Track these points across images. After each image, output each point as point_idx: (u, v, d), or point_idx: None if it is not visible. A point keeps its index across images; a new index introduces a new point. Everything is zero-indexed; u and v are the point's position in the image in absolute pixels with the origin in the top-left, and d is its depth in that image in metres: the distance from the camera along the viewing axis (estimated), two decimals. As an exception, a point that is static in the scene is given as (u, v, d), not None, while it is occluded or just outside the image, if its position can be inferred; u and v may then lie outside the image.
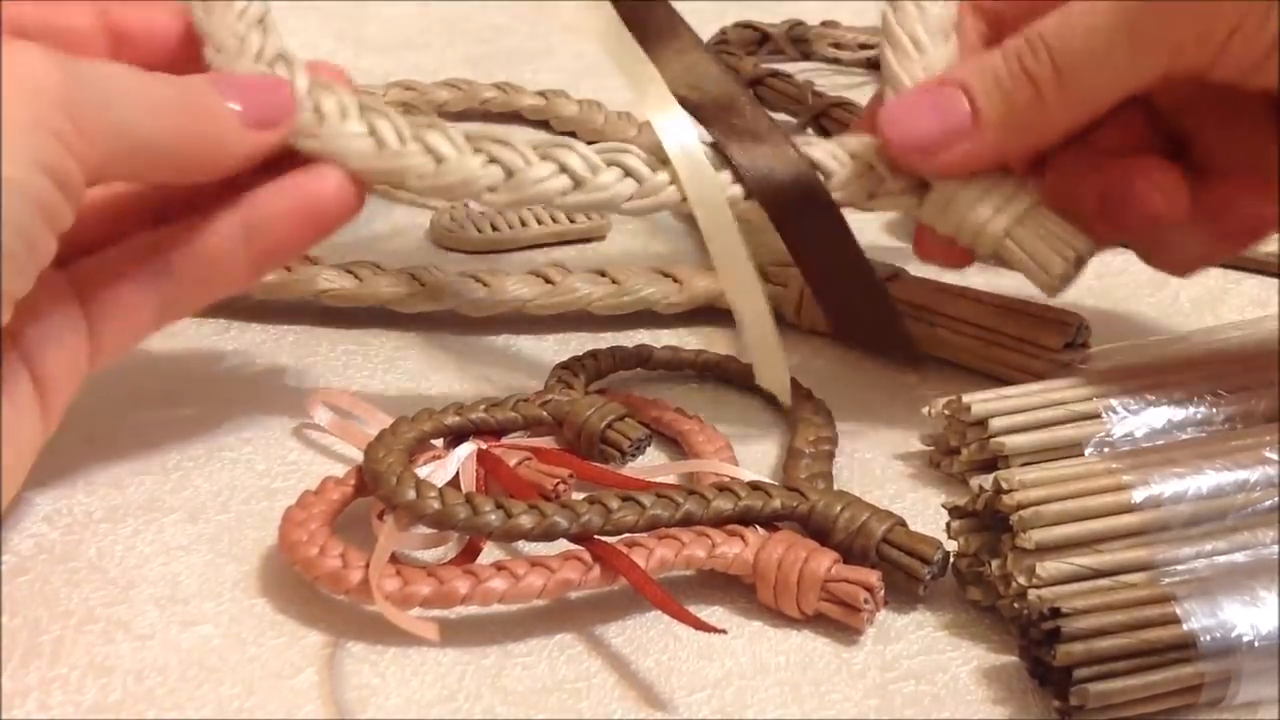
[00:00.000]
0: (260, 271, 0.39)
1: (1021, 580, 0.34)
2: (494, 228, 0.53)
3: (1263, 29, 0.36)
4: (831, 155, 0.40)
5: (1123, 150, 0.40)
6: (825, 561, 0.35)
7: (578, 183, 0.38)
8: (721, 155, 0.39)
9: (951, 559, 0.36)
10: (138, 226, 0.38)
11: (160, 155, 0.35)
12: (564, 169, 0.38)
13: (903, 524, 0.36)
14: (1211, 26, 0.36)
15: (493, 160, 0.38)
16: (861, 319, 0.42)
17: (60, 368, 0.36)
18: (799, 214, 0.39)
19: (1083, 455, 0.38)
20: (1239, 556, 0.34)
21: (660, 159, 0.39)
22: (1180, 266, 0.42)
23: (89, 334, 0.36)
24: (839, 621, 0.35)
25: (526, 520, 0.35)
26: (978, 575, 0.36)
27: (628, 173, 0.39)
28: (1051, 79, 0.37)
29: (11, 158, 0.31)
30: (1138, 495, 0.35)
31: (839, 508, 0.36)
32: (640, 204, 0.39)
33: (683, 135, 0.39)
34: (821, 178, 0.39)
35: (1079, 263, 0.40)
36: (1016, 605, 0.34)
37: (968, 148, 0.39)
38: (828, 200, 0.39)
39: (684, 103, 0.40)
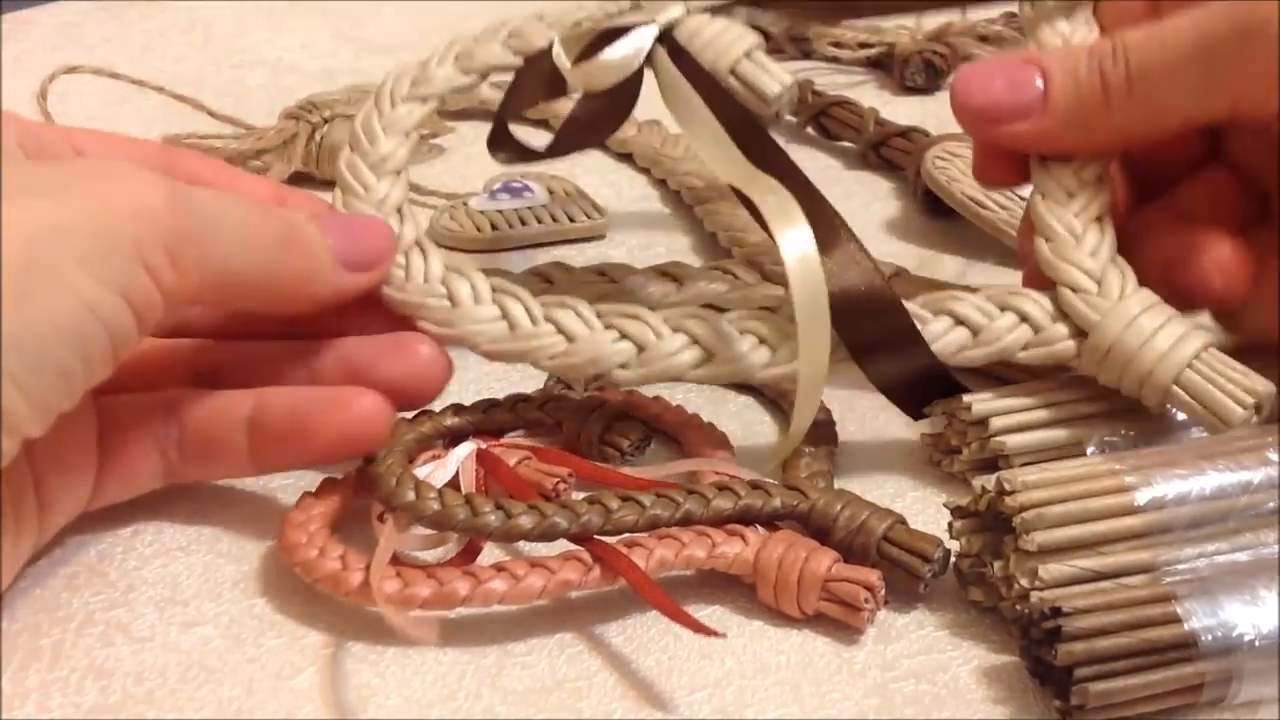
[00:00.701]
0: (263, 467, 0.38)
1: (1024, 582, 0.34)
2: (494, 227, 0.53)
3: None
4: (979, 309, 0.38)
5: (1205, 212, 0.40)
6: (825, 561, 0.35)
7: (709, 355, 0.38)
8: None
9: (953, 559, 0.36)
10: (173, 380, 0.38)
11: (252, 286, 0.35)
12: (696, 340, 0.38)
13: (903, 522, 0.36)
14: (1275, 80, 0.36)
15: (623, 336, 0.38)
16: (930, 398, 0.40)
17: (63, 497, 0.36)
18: (872, 329, 0.39)
19: (1083, 455, 0.38)
20: (1240, 556, 0.34)
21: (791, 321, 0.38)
22: (1252, 333, 0.41)
23: (100, 471, 0.37)
24: (839, 621, 0.35)
25: (526, 521, 0.35)
26: (979, 576, 0.36)
27: (762, 340, 0.38)
28: (1122, 85, 0.37)
29: (93, 275, 0.31)
30: (1140, 497, 0.35)
31: (839, 506, 0.36)
32: (775, 373, 0.38)
33: (806, 251, 0.37)
34: (969, 333, 0.38)
35: (1259, 409, 0.37)
36: (1018, 606, 0.34)
37: (1029, 126, 0.39)
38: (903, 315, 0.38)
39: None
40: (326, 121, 0.55)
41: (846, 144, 0.59)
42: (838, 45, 0.67)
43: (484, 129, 0.60)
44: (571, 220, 0.53)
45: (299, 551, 0.35)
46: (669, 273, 0.47)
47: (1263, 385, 0.37)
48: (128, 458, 0.37)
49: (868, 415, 0.43)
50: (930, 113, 0.62)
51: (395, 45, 0.68)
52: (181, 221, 0.32)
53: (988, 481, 0.36)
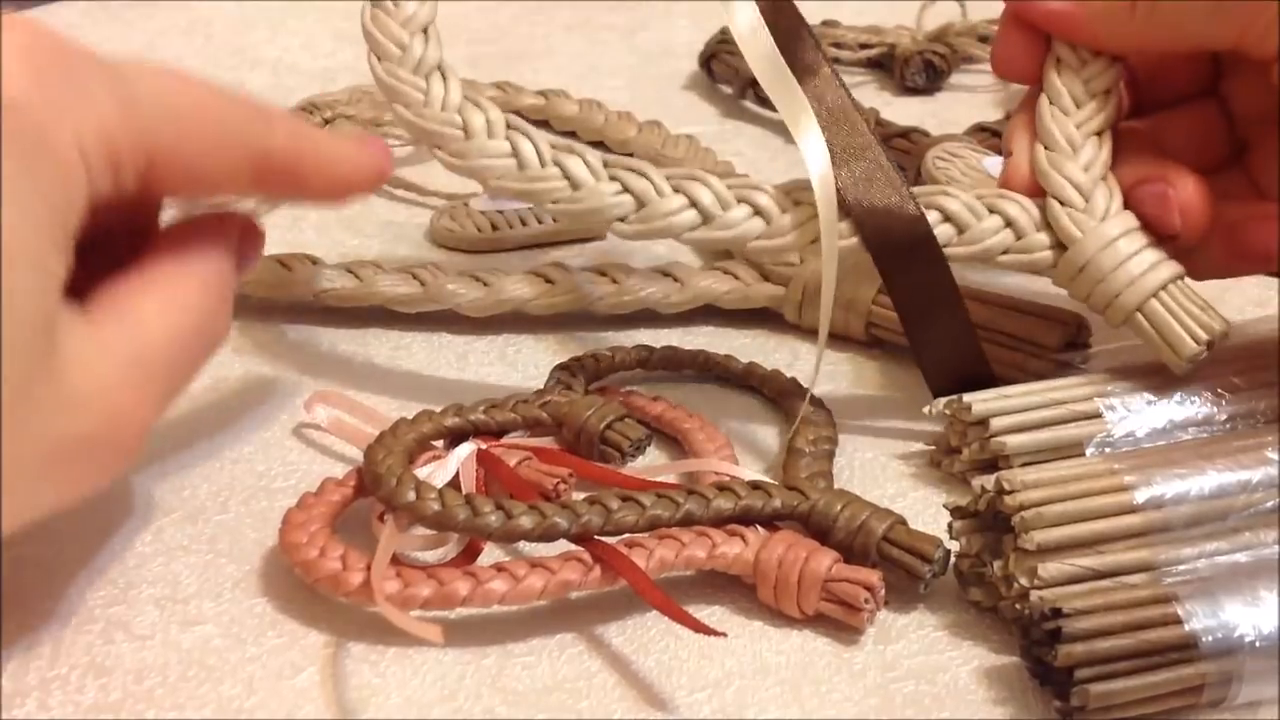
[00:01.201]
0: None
1: (1023, 581, 0.34)
2: (494, 227, 0.53)
3: None
4: (967, 208, 0.39)
5: (1183, 143, 0.41)
6: (826, 561, 0.35)
7: (707, 218, 0.39)
8: (842, 202, 0.39)
9: (953, 559, 0.36)
10: None
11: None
12: (694, 203, 0.39)
13: (903, 522, 0.36)
14: (1274, 25, 0.37)
15: (625, 189, 0.39)
16: (954, 372, 0.41)
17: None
18: (908, 268, 0.40)
19: (1084, 455, 0.38)
20: (1240, 557, 0.34)
21: (792, 200, 0.39)
22: (1201, 276, 0.42)
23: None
24: (839, 621, 0.35)
25: (527, 521, 0.35)
26: (979, 576, 0.36)
27: (757, 211, 0.39)
28: (1145, 7, 0.39)
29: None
30: (1139, 496, 0.35)
31: (839, 507, 0.36)
32: (766, 244, 0.39)
33: (822, 167, 0.39)
34: (954, 229, 0.39)
35: (1211, 345, 0.38)
36: (1018, 606, 0.34)
37: (1063, 9, 0.40)
38: (940, 258, 0.40)
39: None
40: (328, 122, 0.55)
41: (847, 145, 0.59)
42: (838, 46, 0.67)
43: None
44: (572, 220, 0.53)
45: (299, 551, 0.35)
46: (669, 273, 0.47)
47: (1220, 324, 0.38)
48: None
49: (868, 416, 0.43)
50: (930, 113, 0.62)
51: (395, 45, 0.68)
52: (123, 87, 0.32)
53: (987, 481, 0.36)
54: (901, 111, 0.61)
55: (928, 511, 0.39)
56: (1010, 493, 0.35)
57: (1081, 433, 0.39)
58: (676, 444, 0.42)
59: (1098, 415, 0.39)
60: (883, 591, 0.35)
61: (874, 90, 0.66)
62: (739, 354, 0.45)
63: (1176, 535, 0.34)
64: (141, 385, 0.32)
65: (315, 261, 0.47)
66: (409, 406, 0.42)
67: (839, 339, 0.46)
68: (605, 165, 0.39)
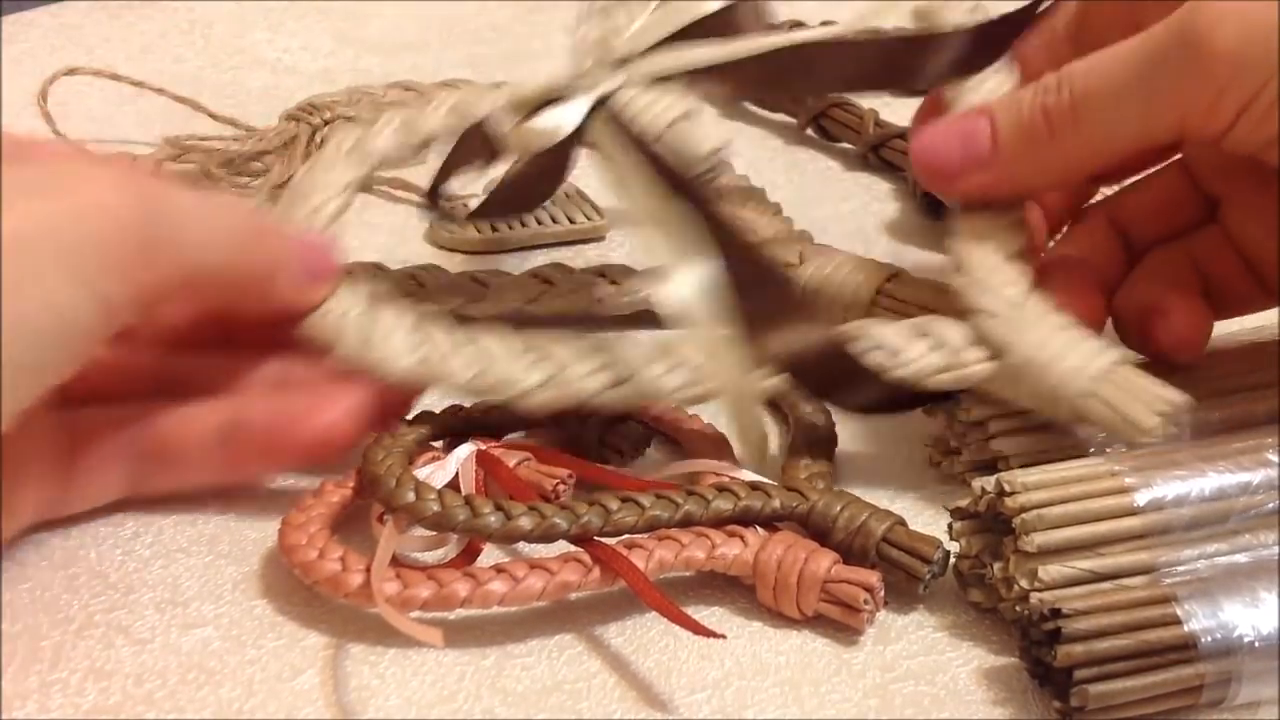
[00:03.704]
0: (234, 474, 0.38)
1: (1023, 583, 0.34)
2: (494, 228, 0.52)
3: (1273, 109, 0.35)
4: (897, 334, 0.38)
5: (1151, 223, 0.41)
6: (825, 562, 0.35)
7: (621, 380, 0.38)
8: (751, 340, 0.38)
9: (953, 560, 0.36)
10: (140, 390, 0.38)
11: (222, 279, 0.36)
12: (608, 365, 0.38)
13: (902, 523, 0.36)
14: (1220, 99, 0.36)
15: (538, 360, 0.38)
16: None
17: (21, 503, 0.36)
18: (838, 382, 0.39)
19: (1083, 456, 0.38)
20: (1240, 558, 0.34)
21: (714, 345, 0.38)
22: None
23: (61, 482, 0.37)
24: (839, 622, 0.35)
25: (526, 522, 0.35)
26: (979, 577, 0.36)
27: (680, 364, 0.38)
28: (1066, 114, 0.38)
29: (66, 273, 0.31)
30: (1140, 498, 0.35)
31: (838, 507, 0.36)
32: (692, 393, 0.38)
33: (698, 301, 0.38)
34: (885, 358, 0.38)
35: (1174, 416, 0.37)
36: (1018, 608, 0.34)
37: (985, 176, 0.39)
38: (875, 377, 0.38)
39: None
40: (327, 123, 0.55)
41: (846, 145, 0.59)
42: (838, 45, 0.66)
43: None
44: (571, 221, 0.53)
45: (299, 553, 0.35)
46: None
47: (1176, 394, 0.37)
48: (91, 468, 0.37)
49: (868, 416, 0.43)
50: (930, 113, 0.62)
51: (395, 45, 0.68)
52: (153, 220, 0.33)
53: (987, 483, 0.36)
54: (901, 112, 0.61)
55: (927, 512, 0.39)
56: (1011, 494, 0.35)
57: (1081, 434, 0.39)
58: (676, 445, 0.42)
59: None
60: (882, 592, 0.35)
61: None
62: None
63: (1177, 537, 0.34)
64: None
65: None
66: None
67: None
68: (516, 341, 0.38)
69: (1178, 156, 0.42)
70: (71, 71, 0.56)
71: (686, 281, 0.38)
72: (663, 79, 0.42)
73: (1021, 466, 0.38)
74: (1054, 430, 0.39)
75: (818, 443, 0.41)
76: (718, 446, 0.41)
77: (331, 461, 0.37)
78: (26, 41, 0.67)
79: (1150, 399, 0.37)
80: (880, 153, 0.58)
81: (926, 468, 0.41)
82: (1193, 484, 0.35)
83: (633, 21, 0.44)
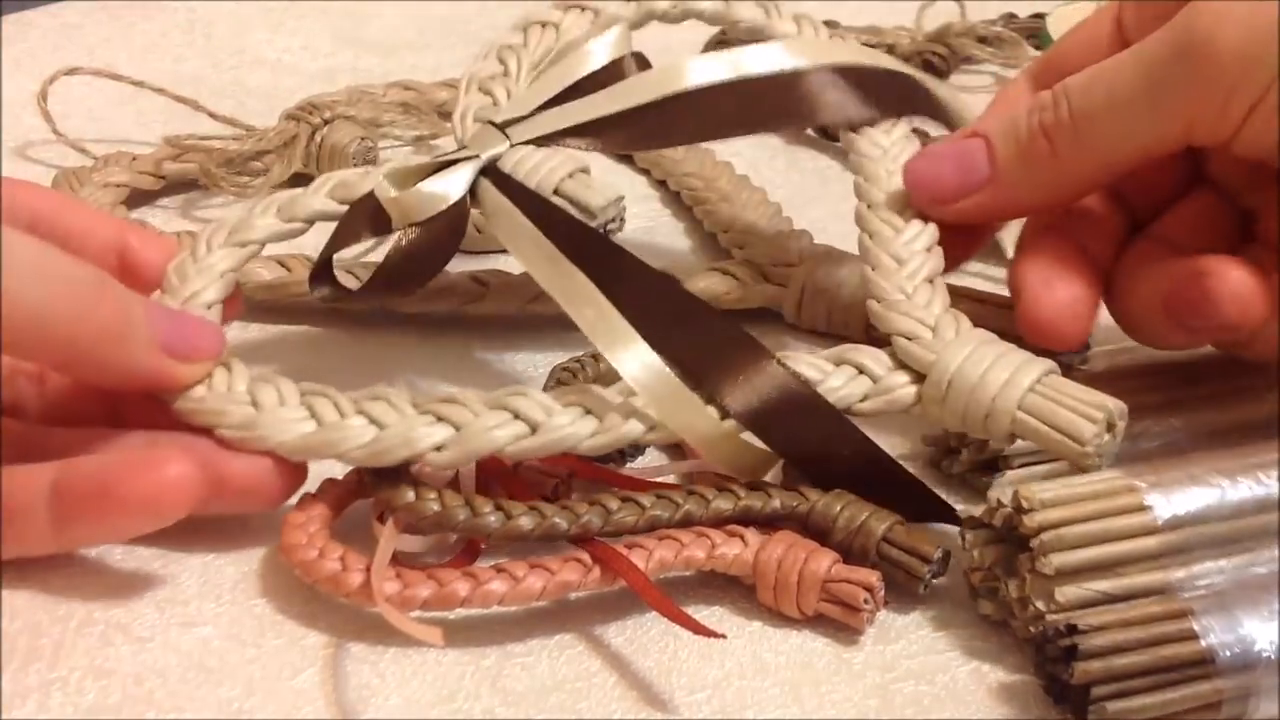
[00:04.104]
0: (64, 539, 0.36)
1: (1039, 605, 0.33)
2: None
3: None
4: (813, 365, 0.37)
5: (1192, 243, 0.39)
6: (825, 562, 0.35)
7: (532, 428, 0.36)
8: (701, 389, 0.37)
9: (965, 571, 0.36)
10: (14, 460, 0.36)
11: (61, 335, 0.34)
12: (517, 415, 0.36)
13: (902, 523, 0.36)
14: (1228, 101, 0.35)
15: (439, 419, 0.36)
16: (895, 497, 0.37)
17: None
18: (799, 431, 0.37)
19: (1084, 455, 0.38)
20: (1257, 570, 0.34)
21: (629, 392, 0.37)
22: (1261, 356, 0.39)
23: None
24: (839, 622, 0.35)
25: (526, 522, 0.35)
26: (992, 590, 0.35)
27: (589, 411, 0.37)
28: (1068, 131, 0.37)
29: None
30: (1160, 515, 0.34)
31: (838, 507, 0.36)
32: (603, 440, 0.36)
33: (648, 363, 0.37)
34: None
35: (1110, 426, 0.35)
36: (1032, 627, 0.34)
37: (984, 198, 0.39)
38: (828, 408, 0.37)
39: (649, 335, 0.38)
40: (326, 123, 0.55)
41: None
42: (837, 46, 0.67)
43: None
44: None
45: (299, 552, 0.35)
46: (669, 273, 0.47)
47: (1111, 402, 0.36)
48: None
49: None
50: (930, 113, 0.62)
51: (395, 45, 0.68)
52: None
53: (1004, 494, 0.35)
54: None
55: (927, 512, 0.39)
56: (1029, 511, 0.34)
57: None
58: (676, 444, 0.42)
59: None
60: (882, 592, 0.35)
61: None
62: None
63: (1195, 555, 0.34)
64: None
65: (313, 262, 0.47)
66: (409, 407, 0.42)
67: (839, 339, 0.46)
68: (414, 404, 0.37)
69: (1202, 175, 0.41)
70: (71, 71, 0.56)
71: (633, 359, 0.37)
72: (548, 138, 0.42)
73: (1022, 466, 0.38)
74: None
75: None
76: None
77: (159, 524, 0.35)
78: (26, 41, 0.67)
79: (1086, 408, 0.35)
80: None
81: (926, 468, 0.41)
82: (1211, 500, 0.34)
83: (511, 92, 0.44)
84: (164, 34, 0.69)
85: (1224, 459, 0.36)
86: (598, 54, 0.44)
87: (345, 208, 0.41)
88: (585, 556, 0.35)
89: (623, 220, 0.41)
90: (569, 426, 0.36)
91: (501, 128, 0.42)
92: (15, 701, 0.33)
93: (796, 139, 0.60)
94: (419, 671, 0.34)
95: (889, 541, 0.36)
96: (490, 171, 0.41)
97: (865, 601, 0.35)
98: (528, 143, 0.42)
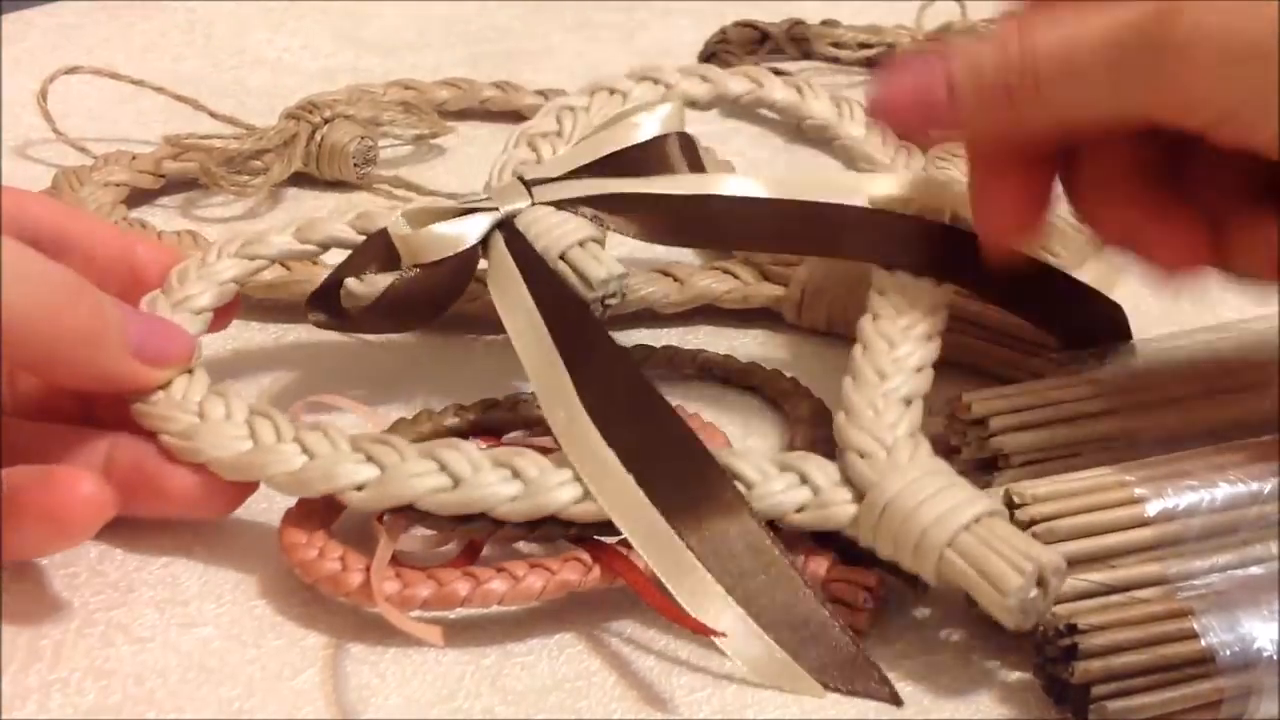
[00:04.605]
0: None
1: None
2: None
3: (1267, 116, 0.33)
4: (756, 468, 0.36)
5: (1153, 177, 0.38)
6: (825, 561, 0.35)
7: (458, 482, 0.35)
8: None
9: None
10: None
11: (30, 337, 0.34)
12: (444, 467, 0.35)
13: (902, 524, 0.36)
14: (1190, 106, 0.34)
15: (368, 459, 0.36)
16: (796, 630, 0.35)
17: None
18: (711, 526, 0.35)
19: (1082, 454, 0.38)
20: (1255, 570, 0.34)
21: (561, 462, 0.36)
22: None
23: None
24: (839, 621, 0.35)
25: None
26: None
27: (516, 474, 0.36)
28: (1030, 88, 0.36)
29: None
30: (1151, 509, 0.34)
31: (838, 508, 0.36)
32: (524, 506, 0.35)
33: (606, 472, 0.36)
34: (743, 488, 0.36)
35: (1040, 580, 0.33)
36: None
37: (946, 129, 0.39)
38: (742, 509, 0.35)
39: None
40: (327, 122, 0.55)
41: (846, 145, 0.59)
42: (837, 45, 0.67)
43: (485, 128, 0.60)
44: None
45: (299, 552, 0.35)
46: (669, 273, 0.47)
47: (1047, 555, 0.33)
48: None
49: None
50: (930, 113, 0.62)
51: (395, 45, 0.68)
52: None
53: (996, 492, 0.35)
54: (901, 111, 0.61)
55: (927, 511, 0.39)
56: (1021, 506, 0.34)
57: (1081, 432, 0.39)
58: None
59: (1097, 415, 0.39)
60: (882, 592, 0.35)
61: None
62: (739, 354, 0.45)
63: (1188, 548, 0.34)
64: None
65: (315, 262, 0.47)
66: (409, 406, 0.42)
67: (839, 338, 0.46)
68: (351, 439, 0.36)
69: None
70: (71, 71, 0.57)
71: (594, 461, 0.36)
72: (568, 203, 0.41)
73: (1022, 465, 0.38)
74: (1055, 429, 0.39)
75: (817, 443, 0.40)
76: (718, 445, 0.41)
77: (63, 544, 0.35)
78: (26, 41, 0.67)
79: (1017, 558, 0.33)
80: (880, 152, 0.58)
81: (926, 467, 0.41)
82: (1204, 494, 0.34)
83: (555, 151, 0.44)
84: (163, 34, 0.69)
85: (1217, 455, 0.36)
86: (646, 127, 0.43)
87: (363, 238, 0.41)
88: (585, 556, 0.35)
89: (623, 295, 0.41)
90: (492, 486, 0.35)
91: (528, 185, 0.42)
92: (15, 703, 0.33)
93: (796, 139, 0.60)
94: (419, 671, 0.34)
95: (889, 541, 0.36)
96: (506, 226, 0.41)
97: (865, 601, 0.35)
98: (550, 203, 0.42)
